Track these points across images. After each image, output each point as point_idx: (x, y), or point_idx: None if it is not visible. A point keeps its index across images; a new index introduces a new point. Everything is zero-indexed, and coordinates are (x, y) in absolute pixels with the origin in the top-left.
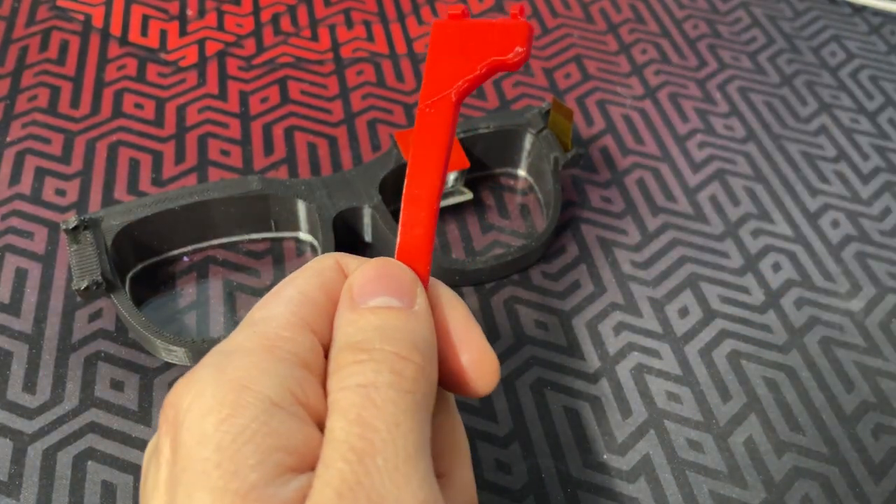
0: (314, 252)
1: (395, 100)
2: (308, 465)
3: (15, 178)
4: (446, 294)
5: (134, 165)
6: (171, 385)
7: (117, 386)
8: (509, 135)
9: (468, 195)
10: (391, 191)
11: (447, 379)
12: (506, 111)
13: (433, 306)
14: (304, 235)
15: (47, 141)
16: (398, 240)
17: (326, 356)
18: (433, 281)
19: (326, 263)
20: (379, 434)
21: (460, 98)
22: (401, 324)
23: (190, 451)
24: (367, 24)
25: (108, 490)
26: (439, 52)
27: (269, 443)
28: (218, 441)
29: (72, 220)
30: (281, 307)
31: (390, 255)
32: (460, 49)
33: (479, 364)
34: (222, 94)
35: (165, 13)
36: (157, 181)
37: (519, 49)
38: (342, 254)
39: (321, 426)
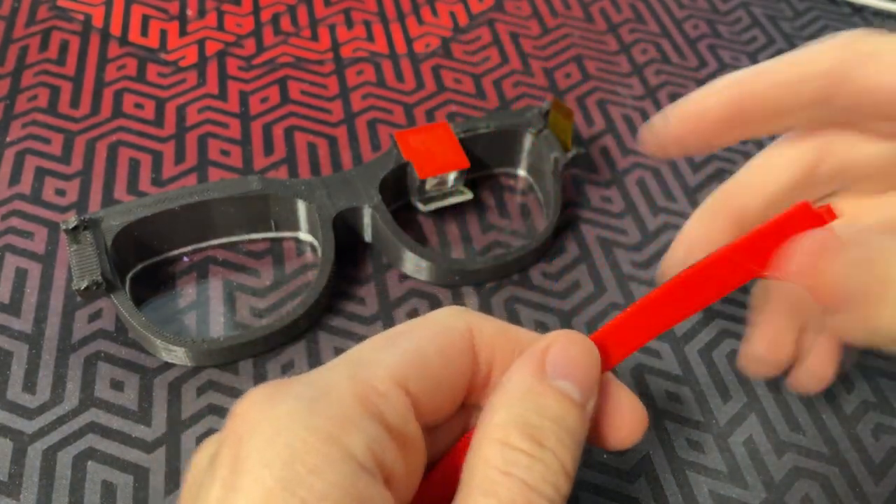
0: (314, 252)
1: (395, 100)
2: None
3: (15, 178)
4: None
5: (134, 165)
6: (172, 386)
7: (117, 386)
8: (509, 135)
9: (468, 195)
10: (391, 191)
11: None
12: (506, 111)
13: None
14: (304, 235)
15: (47, 141)
16: (618, 318)
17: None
18: None
19: (458, 324)
20: None
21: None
22: (574, 424)
23: (261, 491)
24: (368, 24)
25: (108, 490)
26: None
27: None
28: (301, 496)
29: (72, 220)
30: (389, 358)
31: (391, 253)
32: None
33: (634, 425)
34: (222, 94)
35: (165, 13)
36: (157, 181)
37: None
38: (477, 316)
39: (394, 492)
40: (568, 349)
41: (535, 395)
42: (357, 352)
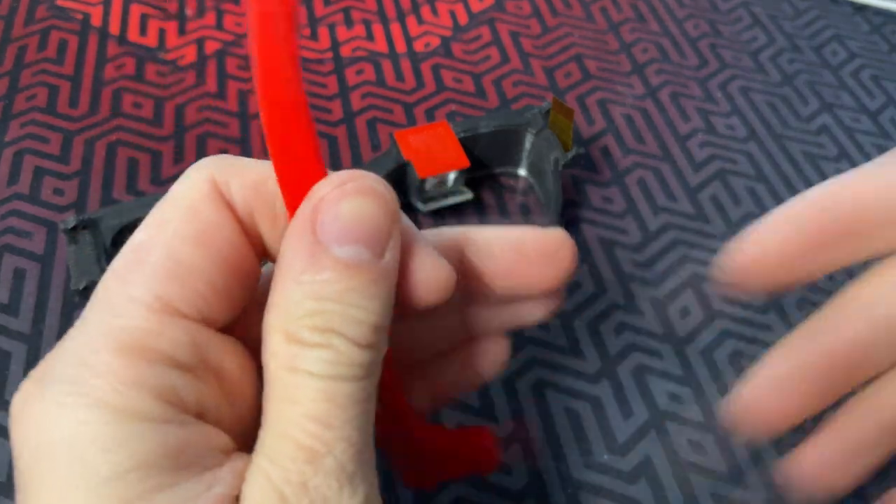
0: None
1: (394, 99)
2: (214, 463)
3: (13, 177)
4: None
5: (133, 165)
6: None
7: None
8: (510, 134)
9: (468, 195)
10: None
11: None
12: (506, 111)
13: None
14: None
15: (46, 140)
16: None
17: (217, 322)
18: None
19: (199, 191)
20: (333, 432)
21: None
22: (367, 292)
23: (54, 498)
24: (367, 24)
25: None
26: None
27: (166, 464)
28: (106, 478)
29: (70, 219)
30: (142, 286)
31: None
32: None
33: (437, 282)
34: (221, 94)
35: (164, 12)
36: (156, 181)
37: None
38: (222, 161)
39: (215, 419)
40: (341, 205)
41: (311, 276)
42: (104, 288)
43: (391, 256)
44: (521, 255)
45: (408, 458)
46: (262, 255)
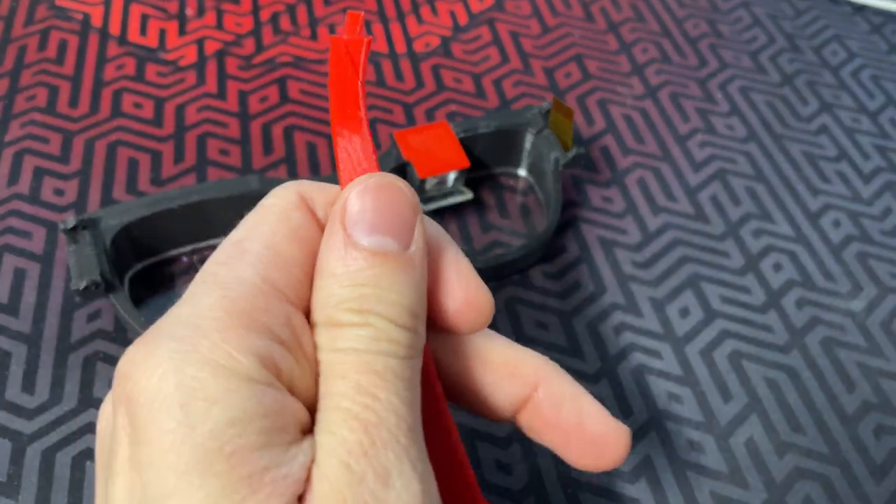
0: None
1: (394, 99)
2: (296, 437)
3: (13, 177)
4: (428, 222)
5: (133, 165)
6: None
7: None
8: (510, 134)
9: (468, 195)
10: None
11: (436, 319)
12: (506, 111)
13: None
14: None
15: (46, 140)
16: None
17: (306, 315)
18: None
19: (289, 201)
20: (381, 404)
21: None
22: (398, 278)
23: (168, 442)
24: (367, 24)
25: None
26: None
27: (263, 424)
28: (210, 429)
29: (70, 219)
30: (248, 268)
31: None
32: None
33: (474, 303)
34: (221, 94)
35: (164, 12)
36: (156, 181)
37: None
38: (305, 183)
39: (299, 397)
40: (364, 200)
41: (345, 268)
42: (214, 271)
43: (417, 248)
44: (580, 427)
45: None
46: None
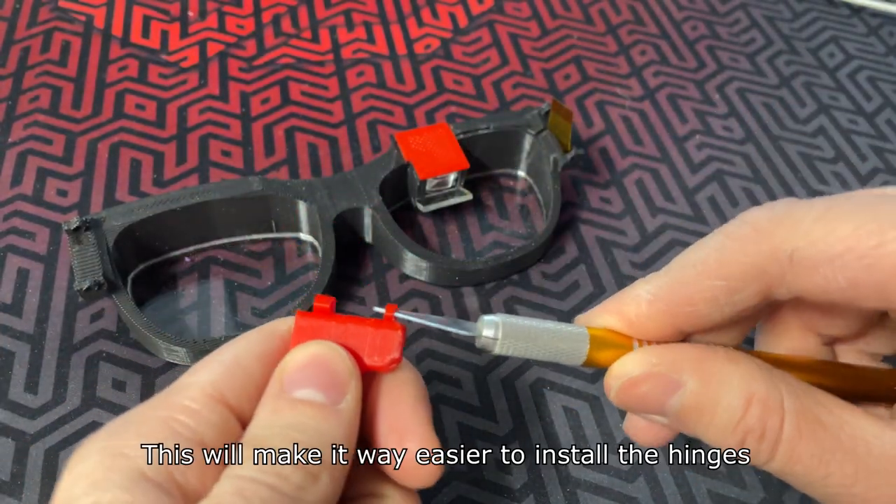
0: (315, 252)
1: (395, 101)
2: None
3: (17, 178)
4: (405, 377)
5: (135, 166)
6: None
7: (119, 386)
8: (509, 136)
9: (468, 195)
10: (391, 191)
11: (388, 466)
12: (505, 112)
13: (385, 390)
14: (304, 236)
15: (49, 142)
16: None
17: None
18: (403, 362)
19: (280, 329)
20: None
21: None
22: (314, 424)
23: None
24: (368, 26)
25: None
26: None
27: None
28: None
29: (73, 220)
30: (206, 374)
31: (392, 254)
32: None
33: (420, 458)
34: (223, 95)
35: (167, 14)
36: (159, 182)
37: (395, 355)
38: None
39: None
40: (298, 358)
41: (270, 414)
42: (182, 377)
43: (348, 404)
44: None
45: None
46: None
